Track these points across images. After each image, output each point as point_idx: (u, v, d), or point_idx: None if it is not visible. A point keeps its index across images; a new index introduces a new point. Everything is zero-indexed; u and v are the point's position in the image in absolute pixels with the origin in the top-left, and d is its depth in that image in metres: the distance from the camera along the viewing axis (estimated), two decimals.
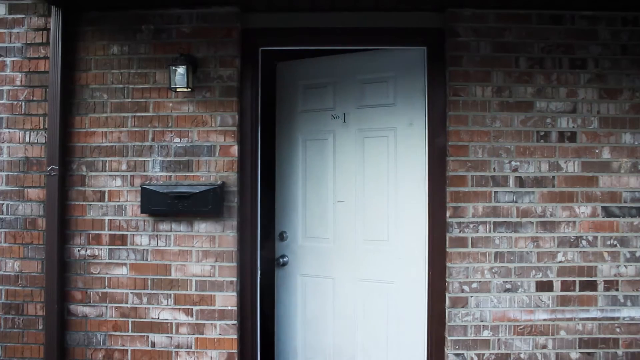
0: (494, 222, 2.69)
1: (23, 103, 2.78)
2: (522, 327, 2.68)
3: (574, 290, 2.68)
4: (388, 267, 2.94)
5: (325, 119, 3.10)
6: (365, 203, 3.00)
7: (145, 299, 2.74)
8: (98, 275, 2.75)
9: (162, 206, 2.67)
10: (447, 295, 2.69)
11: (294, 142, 3.22)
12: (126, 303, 2.74)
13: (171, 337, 2.73)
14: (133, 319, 2.74)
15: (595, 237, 2.68)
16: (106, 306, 2.75)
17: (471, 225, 2.69)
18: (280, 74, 3.26)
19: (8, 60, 2.79)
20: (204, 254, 2.73)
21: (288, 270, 3.21)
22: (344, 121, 3.05)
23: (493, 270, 2.68)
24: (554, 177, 2.70)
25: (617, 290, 2.68)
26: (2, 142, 2.79)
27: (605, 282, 2.68)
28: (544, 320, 2.68)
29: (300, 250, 3.19)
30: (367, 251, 3.00)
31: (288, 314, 3.22)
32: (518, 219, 2.69)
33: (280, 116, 3.26)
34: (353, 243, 3.04)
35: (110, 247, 2.75)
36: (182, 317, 2.73)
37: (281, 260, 3.22)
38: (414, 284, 2.85)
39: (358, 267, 3.02)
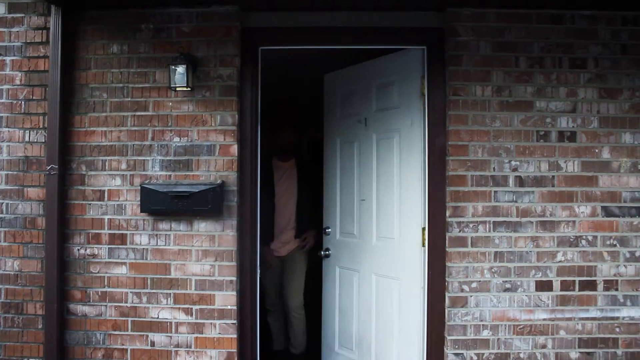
0: (494, 222, 2.69)
1: (23, 102, 2.78)
2: (521, 326, 2.68)
3: (573, 290, 2.68)
4: (395, 264, 2.98)
5: (354, 124, 3.29)
6: (378, 202, 3.10)
7: (144, 298, 2.74)
8: (98, 275, 2.75)
9: (162, 205, 2.67)
10: (447, 294, 2.69)
11: (333, 146, 3.47)
12: (126, 302, 2.74)
13: (171, 337, 2.73)
14: (133, 318, 2.74)
15: (595, 237, 2.68)
16: (106, 305, 2.75)
17: (471, 225, 2.69)
18: (326, 85, 3.54)
19: (8, 59, 2.78)
20: (204, 253, 2.73)
21: (330, 262, 3.46)
22: (365, 125, 3.20)
23: (493, 270, 2.68)
24: (553, 176, 2.70)
25: (616, 290, 2.68)
26: (2, 141, 2.78)
27: (605, 281, 2.68)
28: (544, 319, 2.68)
29: (337, 243, 3.42)
30: (380, 247, 3.09)
31: (329, 301, 3.48)
32: (518, 219, 2.69)
33: (326, 123, 3.55)
34: (371, 239, 3.16)
35: (110, 246, 2.75)
36: (181, 317, 2.73)
37: (323, 253, 3.47)
38: (417, 282, 2.85)
39: (374, 262, 3.13)
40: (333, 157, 3.47)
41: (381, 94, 3.11)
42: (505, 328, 2.68)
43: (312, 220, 3.69)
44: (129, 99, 2.76)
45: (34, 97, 2.78)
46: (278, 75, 4.05)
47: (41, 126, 2.77)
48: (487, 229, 2.69)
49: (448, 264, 2.69)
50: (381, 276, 3.07)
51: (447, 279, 2.69)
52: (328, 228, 3.47)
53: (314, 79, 3.74)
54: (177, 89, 2.67)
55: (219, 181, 2.71)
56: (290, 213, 3.66)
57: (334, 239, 3.45)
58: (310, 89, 4.08)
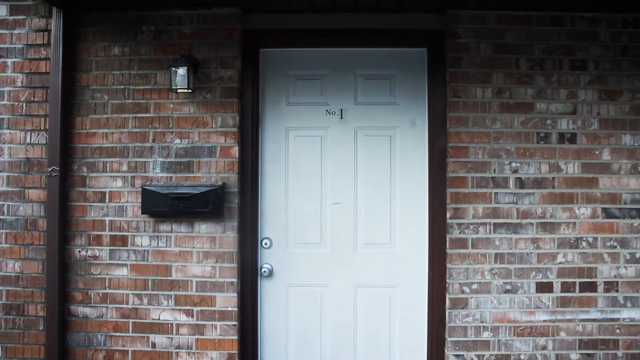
0: (494, 223, 2.69)
1: (24, 104, 2.79)
2: (522, 328, 2.69)
3: (574, 291, 2.68)
4: (391, 271, 2.88)
5: (320, 113, 2.90)
6: (366, 205, 2.89)
7: (145, 300, 2.74)
8: (99, 276, 2.76)
9: (163, 207, 2.68)
10: (448, 296, 2.69)
11: (276, 137, 2.91)
12: (127, 304, 2.75)
13: (172, 338, 2.73)
14: (134, 320, 2.74)
15: (595, 239, 2.69)
16: (107, 307, 2.75)
17: (471, 227, 2.69)
18: (267, 62, 2.94)
19: (9, 61, 2.79)
20: (205, 254, 2.73)
21: (274, 281, 2.90)
22: (342, 117, 2.89)
23: (493, 272, 2.69)
24: (554, 178, 2.70)
25: (617, 291, 2.68)
26: (3, 143, 2.79)
27: (605, 283, 2.68)
28: (544, 321, 2.68)
29: (287, 257, 2.90)
30: (368, 255, 2.88)
31: (274, 328, 2.91)
32: (518, 220, 2.69)
33: (264, 108, 2.93)
34: (351, 248, 2.89)
35: (111, 247, 2.75)
36: (182, 318, 2.73)
37: (266, 270, 2.87)
38: (419, 286, 2.84)
39: (357, 273, 2.88)
40: (277, 151, 2.91)
41: (369, 85, 2.89)
42: (506, 329, 2.69)
43: None
44: (130, 101, 2.77)
45: (35, 99, 2.78)
46: None
47: (42, 128, 2.77)
48: (488, 231, 2.69)
49: (448, 265, 2.69)
50: (370, 287, 2.87)
51: (447, 280, 2.70)
52: (270, 238, 2.90)
53: None
54: (178, 90, 2.68)
55: (219, 183, 2.71)
56: None
57: (279, 252, 2.89)
58: None
